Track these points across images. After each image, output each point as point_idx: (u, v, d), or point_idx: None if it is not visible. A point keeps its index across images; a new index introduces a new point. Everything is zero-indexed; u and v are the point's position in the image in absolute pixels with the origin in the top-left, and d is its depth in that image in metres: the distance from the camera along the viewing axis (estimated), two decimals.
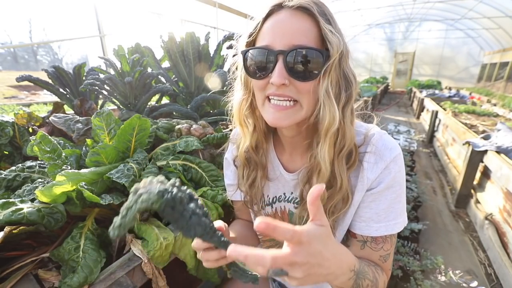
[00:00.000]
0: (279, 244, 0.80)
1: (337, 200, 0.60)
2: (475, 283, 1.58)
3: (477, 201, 2.42)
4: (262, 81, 0.57)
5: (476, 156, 2.39)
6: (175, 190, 0.38)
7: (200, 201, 0.44)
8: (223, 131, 1.20)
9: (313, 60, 0.52)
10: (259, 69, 0.56)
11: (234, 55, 0.67)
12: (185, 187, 0.43)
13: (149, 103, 1.81)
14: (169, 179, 1.00)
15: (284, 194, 0.73)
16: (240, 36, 0.62)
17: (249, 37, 0.58)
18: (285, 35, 0.52)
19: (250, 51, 0.57)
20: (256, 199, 0.74)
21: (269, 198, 0.75)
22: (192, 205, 0.41)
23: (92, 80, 1.52)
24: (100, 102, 1.99)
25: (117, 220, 0.35)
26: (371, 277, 0.55)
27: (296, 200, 0.71)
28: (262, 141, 0.69)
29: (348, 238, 0.68)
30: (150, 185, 0.37)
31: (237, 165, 0.77)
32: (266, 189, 0.75)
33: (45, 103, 5.71)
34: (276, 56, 0.53)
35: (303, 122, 0.59)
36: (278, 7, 0.54)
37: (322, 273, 0.41)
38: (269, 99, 0.57)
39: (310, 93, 0.55)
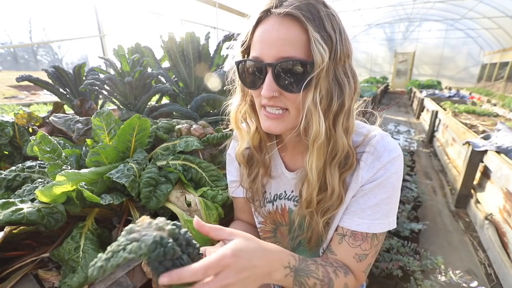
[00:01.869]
0: (279, 230, 0.81)
1: (333, 202, 0.60)
2: (475, 283, 1.58)
3: (477, 201, 2.42)
4: (255, 90, 0.58)
5: (476, 156, 2.39)
6: (170, 241, 0.36)
7: (197, 245, 0.42)
8: (223, 131, 1.20)
9: (298, 72, 0.52)
10: (251, 80, 0.57)
11: (228, 59, 0.69)
12: (185, 230, 0.40)
13: (149, 103, 1.81)
14: (169, 179, 0.99)
15: (285, 192, 0.74)
16: (234, 44, 0.63)
17: (242, 46, 0.59)
18: (273, 47, 0.52)
19: (242, 62, 0.58)
20: (258, 195, 0.75)
21: (271, 195, 0.76)
22: (184, 256, 0.38)
23: (92, 80, 1.52)
24: (100, 102, 1.99)
25: (101, 258, 0.33)
26: (320, 276, 0.54)
27: (296, 199, 0.71)
28: (265, 140, 0.70)
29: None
30: (146, 231, 0.35)
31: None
32: (268, 186, 0.76)
33: (45, 103, 5.70)
34: (265, 68, 0.53)
35: (296, 128, 0.58)
36: (266, 14, 0.53)
37: (256, 279, 0.44)
38: (264, 107, 0.59)
39: (299, 102, 0.54)
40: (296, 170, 0.69)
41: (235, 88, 0.68)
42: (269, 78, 0.53)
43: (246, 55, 0.60)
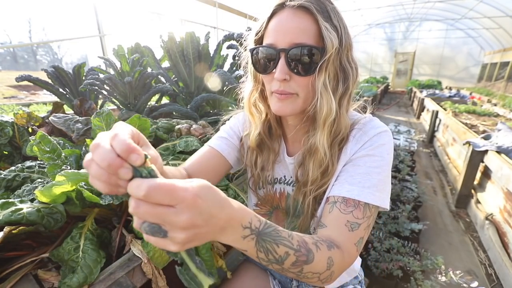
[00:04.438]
0: (275, 214, 0.81)
1: (323, 181, 0.64)
2: (475, 284, 1.58)
3: (478, 201, 2.41)
4: (268, 75, 0.63)
5: (477, 156, 2.39)
6: None
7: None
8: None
9: (310, 56, 0.57)
10: (265, 65, 0.62)
11: (237, 56, 0.71)
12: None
13: (149, 103, 1.81)
14: None
15: (285, 176, 0.77)
16: (248, 34, 0.68)
17: (256, 35, 0.64)
18: (287, 34, 0.57)
19: (256, 48, 0.62)
20: (263, 181, 0.77)
21: (271, 178, 0.78)
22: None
23: (92, 80, 1.52)
24: (100, 102, 1.99)
25: None
26: (295, 246, 0.46)
27: (294, 183, 0.74)
28: (275, 127, 0.74)
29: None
30: None
31: (244, 142, 0.80)
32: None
33: (45, 103, 5.70)
34: (278, 53, 0.58)
35: (303, 112, 0.64)
36: (281, 7, 0.59)
37: (206, 233, 0.35)
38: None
39: (309, 86, 0.60)
40: (294, 155, 0.73)
41: (247, 75, 0.73)
42: (282, 62, 0.58)
43: (259, 44, 0.64)
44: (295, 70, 0.58)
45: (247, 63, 0.70)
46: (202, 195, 0.34)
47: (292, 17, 0.57)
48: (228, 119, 0.85)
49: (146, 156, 0.34)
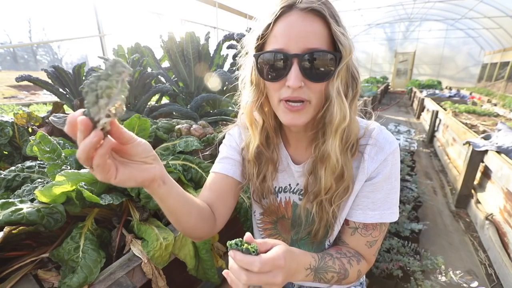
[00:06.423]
0: (280, 223, 0.80)
1: (341, 189, 0.63)
2: (475, 284, 1.58)
3: (478, 201, 2.41)
4: (277, 83, 0.58)
5: (477, 156, 2.39)
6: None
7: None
8: (223, 131, 1.20)
9: (326, 62, 0.54)
10: (274, 72, 0.57)
11: (237, 56, 0.68)
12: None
13: (149, 103, 1.81)
14: None
15: (290, 185, 0.74)
16: (249, 38, 0.62)
17: (261, 39, 0.58)
18: (299, 39, 0.53)
19: (263, 54, 0.57)
20: (266, 192, 0.75)
21: (275, 188, 0.76)
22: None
23: None
24: None
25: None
26: (337, 269, 0.61)
27: (301, 192, 0.72)
28: (273, 137, 0.71)
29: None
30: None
31: (244, 155, 0.76)
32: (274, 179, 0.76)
33: (45, 103, 5.71)
34: (291, 59, 0.54)
35: (312, 119, 0.62)
36: (289, 8, 0.54)
37: (287, 280, 0.50)
38: (285, 101, 0.58)
39: (322, 92, 0.58)
40: (302, 163, 0.70)
41: (245, 84, 0.67)
42: (295, 68, 0.54)
43: (261, 49, 0.59)
44: (310, 77, 0.55)
45: (243, 69, 0.66)
46: (287, 258, 0.48)
47: (302, 20, 0.53)
48: (223, 137, 0.81)
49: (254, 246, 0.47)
